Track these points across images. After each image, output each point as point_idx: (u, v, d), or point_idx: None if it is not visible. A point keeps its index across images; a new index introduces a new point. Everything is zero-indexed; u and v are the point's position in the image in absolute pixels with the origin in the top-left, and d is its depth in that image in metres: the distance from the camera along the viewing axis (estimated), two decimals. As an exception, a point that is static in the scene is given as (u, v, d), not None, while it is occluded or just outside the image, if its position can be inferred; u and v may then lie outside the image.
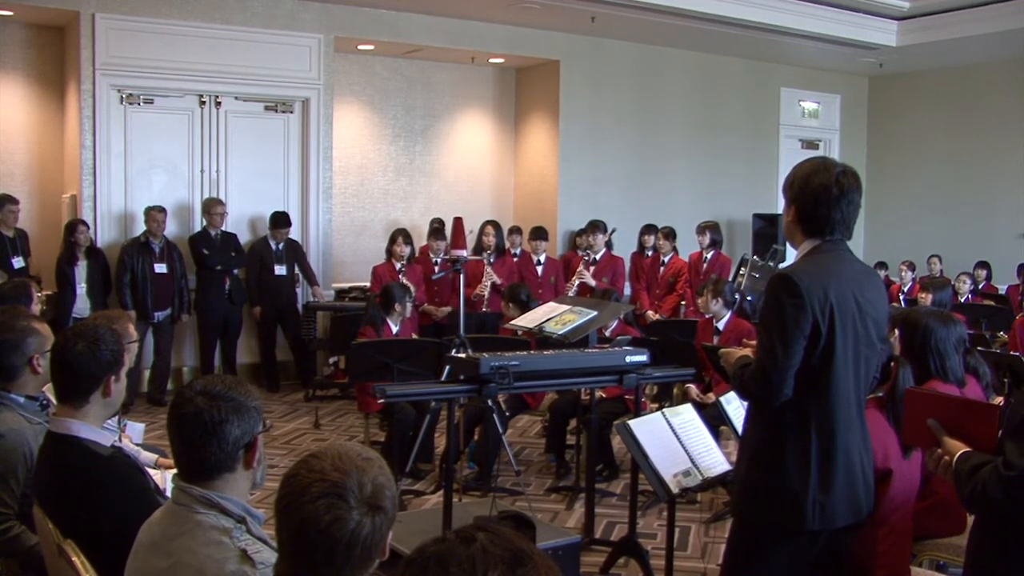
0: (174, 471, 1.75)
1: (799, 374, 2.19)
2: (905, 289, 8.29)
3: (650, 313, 7.35)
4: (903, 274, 8.49)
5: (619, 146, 9.08)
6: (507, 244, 7.44)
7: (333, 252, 8.12)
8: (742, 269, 4.56)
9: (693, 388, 5.16)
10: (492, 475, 4.84)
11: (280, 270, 7.42)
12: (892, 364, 2.67)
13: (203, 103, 7.43)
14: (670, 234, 7.63)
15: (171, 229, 7.19)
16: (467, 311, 5.69)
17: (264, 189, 7.68)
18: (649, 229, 7.98)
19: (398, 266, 6.75)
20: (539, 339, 4.47)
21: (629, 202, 9.03)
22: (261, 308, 7.35)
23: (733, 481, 2.40)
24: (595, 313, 3.98)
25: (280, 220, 7.40)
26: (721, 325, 5.29)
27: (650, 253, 7.89)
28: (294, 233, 7.66)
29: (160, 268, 6.84)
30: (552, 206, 8.79)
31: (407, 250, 6.80)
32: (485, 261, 7.01)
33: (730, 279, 6.52)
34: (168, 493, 1.92)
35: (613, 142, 9.04)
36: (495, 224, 7.26)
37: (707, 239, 7.41)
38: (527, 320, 4.16)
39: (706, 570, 3.80)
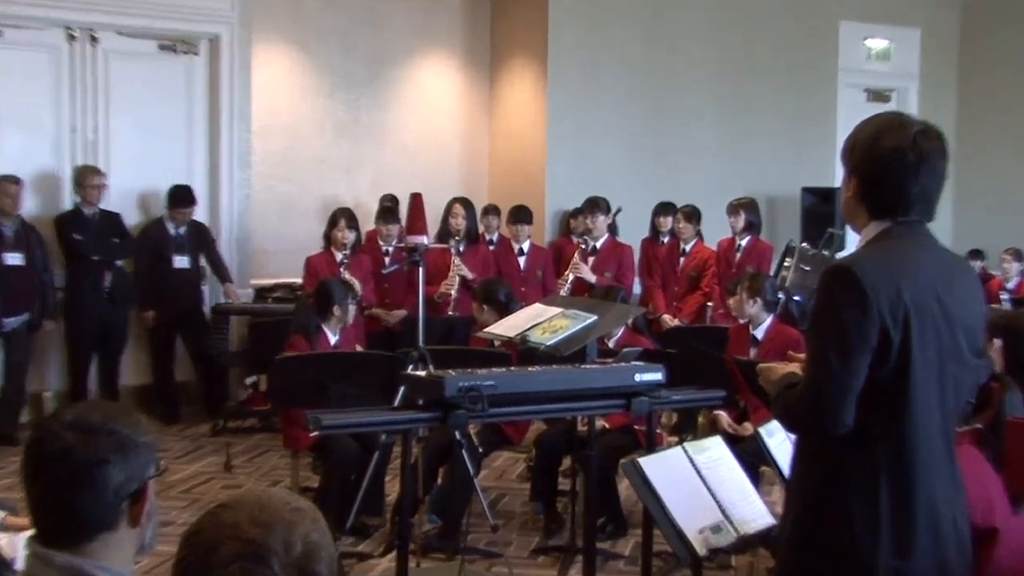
0: (28, 532, 1.73)
1: (863, 398, 2.19)
2: (1009, 286, 8.30)
3: (667, 318, 7.42)
4: (1006, 266, 8.44)
5: (625, 100, 9.08)
6: (480, 228, 7.50)
7: (252, 239, 8.11)
8: (787, 260, 4.57)
9: (724, 416, 5.20)
10: (460, 531, 4.82)
11: (180, 261, 7.41)
12: (992, 385, 2.68)
13: (73, 38, 7.35)
14: (692, 215, 7.67)
15: (29, 207, 7.13)
16: (428, 315, 5.69)
17: (159, 155, 7.63)
18: (665, 208, 8.04)
19: (339, 257, 6.75)
20: (522, 351, 4.43)
21: (638, 173, 9.05)
22: (155, 312, 7.36)
23: (778, 540, 2.40)
24: (594, 318, 3.99)
25: (181, 196, 7.37)
26: (760, 333, 5.35)
27: (666, 239, 7.95)
28: (200, 214, 7.63)
29: (12, 259, 6.77)
30: (538, 178, 8.79)
31: (351, 236, 6.80)
32: (452, 250, 7.02)
33: (771, 273, 6.55)
34: (19, 565, 1.89)
35: (617, 94, 9.04)
36: (465, 202, 7.26)
37: (741, 221, 7.46)
38: (506, 327, 4.18)
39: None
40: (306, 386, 4.70)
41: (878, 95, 10.46)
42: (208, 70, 7.77)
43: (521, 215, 7.59)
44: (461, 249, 7.07)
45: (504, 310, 5.22)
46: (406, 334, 6.53)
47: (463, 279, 6.97)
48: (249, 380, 7.27)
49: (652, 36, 9.16)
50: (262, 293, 7.83)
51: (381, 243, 7.25)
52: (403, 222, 7.09)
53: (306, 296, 6.03)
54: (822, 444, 2.26)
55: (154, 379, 7.50)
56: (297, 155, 8.53)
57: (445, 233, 7.13)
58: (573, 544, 4.80)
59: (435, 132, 9.07)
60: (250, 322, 7.31)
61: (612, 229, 7.62)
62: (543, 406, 3.64)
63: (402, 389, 4.38)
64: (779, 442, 3.43)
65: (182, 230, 7.39)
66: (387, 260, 7.07)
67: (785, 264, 5.15)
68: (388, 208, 7.59)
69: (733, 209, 7.52)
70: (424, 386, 3.35)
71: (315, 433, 3.37)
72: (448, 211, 7.23)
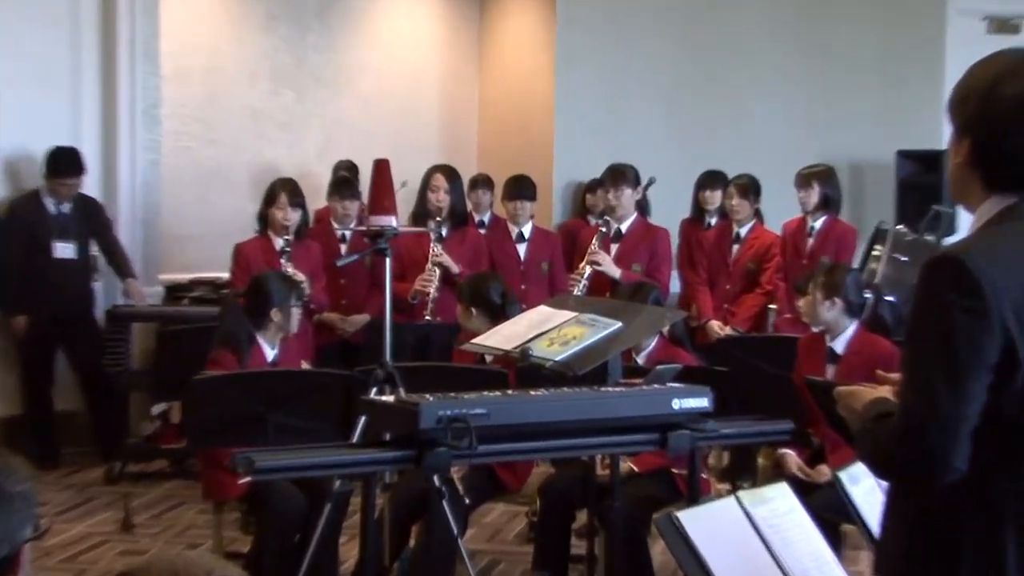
0: None
1: (982, 433, 2.19)
2: None
3: (715, 325, 7.44)
4: None
5: (660, 38, 9.10)
6: (468, 206, 7.51)
7: (161, 219, 8.11)
8: (877, 247, 4.58)
9: (792, 456, 5.21)
10: (441, 610, 4.85)
11: (63, 250, 7.41)
12: None
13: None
14: (748, 188, 7.67)
15: None
16: (399, 321, 5.68)
17: (33, 108, 7.61)
18: (712, 180, 8.06)
19: (279, 244, 6.73)
20: (522, 369, 4.42)
21: (677, 133, 9.06)
22: (28, 317, 7.36)
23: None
24: (618, 325, 4.00)
25: (64, 163, 7.36)
26: (840, 345, 5.34)
27: (714, 221, 7.96)
28: (90, 186, 7.63)
29: None
30: (544, 140, 8.81)
31: (294, 216, 6.80)
32: (431, 235, 7.01)
33: (856, 265, 6.54)
34: None
35: (649, 31, 9.07)
36: (447, 172, 7.23)
37: (814, 196, 7.44)
38: (502, 337, 4.18)
39: None
40: (234, 416, 4.71)
41: (1002, 25, 10.29)
42: (102, -6, 7.85)
43: (521, 189, 7.58)
44: (443, 234, 7.07)
45: (498, 315, 5.23)
46: (369, 346, 6.50)
47: (445, 273, 6.98)
48: (157, 409, 7.27)
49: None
50: (175, 292, 7.84)
51: (336, 226, 7.28)
52: (364, 198, 7.08)
53: (235, 296, 6.00)
54: (925, 496, 2.26)
55: (26, 408, 7.47)
56: (222, 108, 8.54)
57: (421, 213, 7.13)
58: (591, 627, 4.80)
59: (407, 79, 9.09)
60: (159, 331, 7.27)
61: (642, 207, 7.58)
62: (550, 442, 3.63)
63: (362, 420, 4.39)
64: (866, 491, 3.42)
65: (65, 208, 7.39)
66: (343, 248, 7.10)
67: (874, 253, 5.16)
68: (345, 179, 7.57)
69: (804, 180, 7.49)
70: (392, 415, 3.35)
71: (246, 479, 3.35)
72: (426, 184, 7.19)
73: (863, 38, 9.68)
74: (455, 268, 6.96)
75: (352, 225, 7.23)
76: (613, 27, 8.92)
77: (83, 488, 7.02)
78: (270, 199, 6.86)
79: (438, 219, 7.06)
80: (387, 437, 3.45)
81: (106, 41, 7.81)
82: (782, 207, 7.90)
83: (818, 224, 7.46)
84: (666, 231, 7.58)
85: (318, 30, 8.77)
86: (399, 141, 8.44)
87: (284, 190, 6.85)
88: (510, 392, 3.93)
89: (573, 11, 8.76)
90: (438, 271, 6.97)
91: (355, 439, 4.41)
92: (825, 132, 9.50)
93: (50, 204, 7.38)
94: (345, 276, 7.05)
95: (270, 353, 5.33)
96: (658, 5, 9.04)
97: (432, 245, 7.00)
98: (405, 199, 6.83)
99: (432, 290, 6.93)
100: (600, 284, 7.08)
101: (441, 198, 7.10)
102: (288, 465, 3.42)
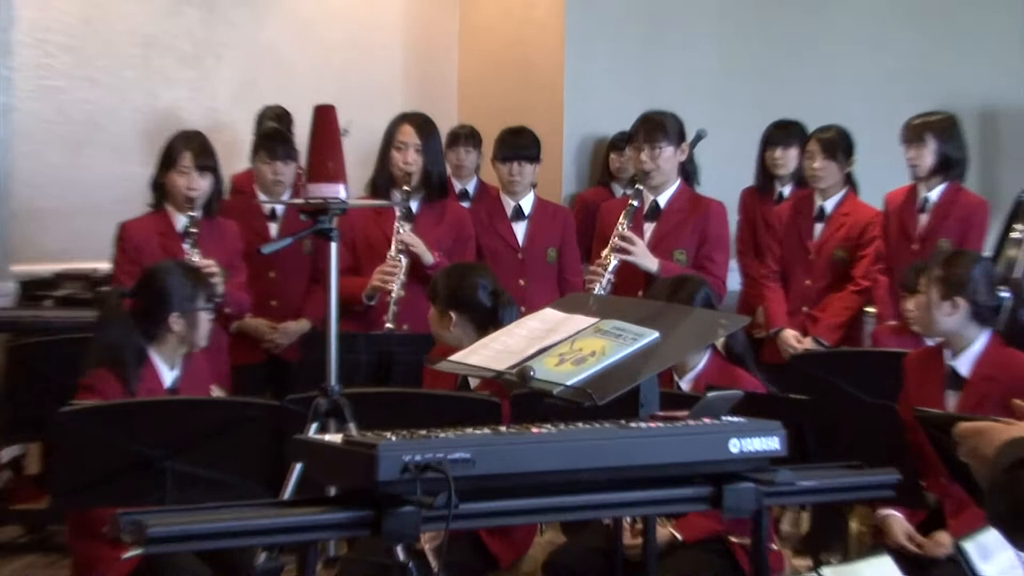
0: None
1: None
2: None
3: (789, 335, 7.54)
4: None
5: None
6: (447, 170, 7.54)
7: (14, 189, 8.16)
8: (1017, 227, 4.58)
9: (898, 520, 5.20)
10: None
11: None
12: None
13: None
14: (835, 145, 7.73)
15: None
16: (349, 330, 5.67)
17: None
18: (784, 135, 8.17)
19: (181, 222, 6.74)
20: (518, 398, 4.42)
21: (732, 72, 9.13)
22: None
23: None
24: (654, 336, 3.96)
25: None
26: (964, 364, 5.37)
27: (787, 190, 8.05)
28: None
29: None
30: (550, 82, 8.87)
31: (202, 184, 6.79)
32: (396, 211, 7.00)
33: (988, 253, 6.54)
34: None
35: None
36: (419, 123, 7.22)
37: (928, 156, 7.43)
38: (492, 353, 4.12)
39: None
40: (117, 464, 4.71)
41: None
42: None
43: (520, 147, 7.63)
44: (412, 209, 7.08)
45: (487, 321, 5.27)
46: (307, 366, 6.53)
47: (414, 264, 6.97)
48: (6, 455, 7.30)
49: None
50: (33, 290, 7.87)
51: (262, 197, 7.35)
52: (302, 160, 7.08)
53: (119, 296, 6.00)
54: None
55: None
56: (100, 34, 8.58)
57: (383, 180, 7.14)
58: None
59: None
60: (9, 344, 7.24)
61: (687, 172, 7.57)
62: (559, 499, 3.59)
63: (297, 468, 4.39)
64: (1002, 570, 3.43)
65: None
66: (273, 229, 7.14)
67: (1013, 235, 5.16)
68: (276, 132, 7.61)
69: (915, 134, 7.47)
70: (339, 462, 3.31)
71: (134, 553, 3.24)
72: (389, 140, 7.19)
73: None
74: (428, 257, 6.97)
75: (286, 196, 7.24)
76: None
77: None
78: (168, 161, 6.84)
79: (406, 188, 7.03)
80: (332, 492, 3.44)
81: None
82: (883, 172, 7.92)
83: (934, 195, 7.45)
84: (721, 205, 7.51)
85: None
86: (349, 81, 8.45)
87: (188, 148, 6.83)
88: (503, 429, 3.88)
89: None
90: (404, 261, 6.96)
91: (287, 495, 4.42)
92: (944, 68, 9.54)
93: None
94: (276, 268, 7.07)
95: (168, 376, 5.34)
96: None
97: (397, 225, 7.00)
98: (360, 160, 6.84)
99: (396, 287, 6.92)
100: (630, 279, 7.07)
101: (410, 159, 7.05)
102: (193, 532, 3.32)
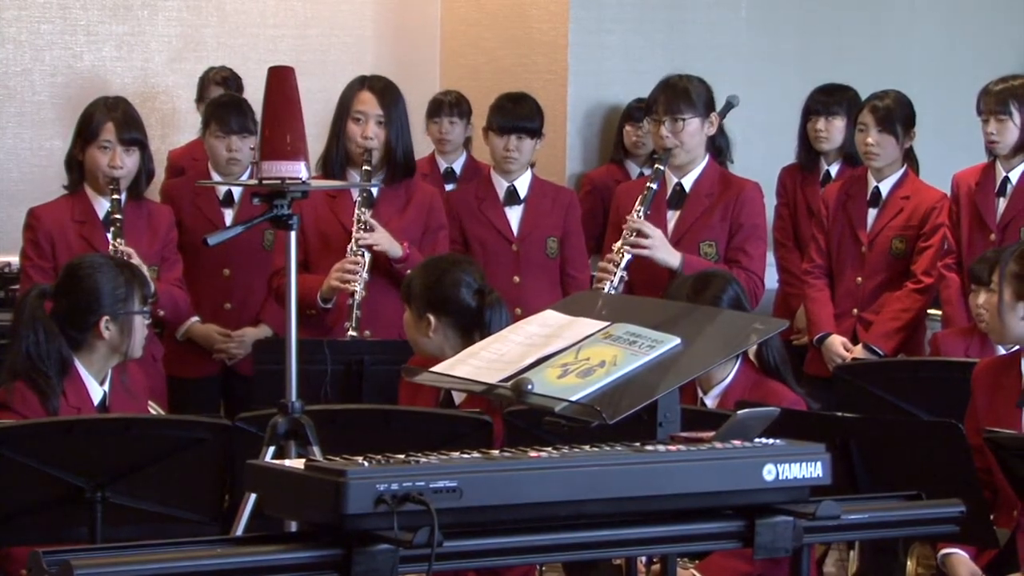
0: None
1: None
2: None
3: (837, 342, 7.65)
4: None
5: None
6: (430, 142, 7.59)
7: None
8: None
9: (964, 560, 5.26)
10: None
11: None
12: None
13: None
14: (892, 115, 7.85)
15: None
16: (309, 336, 5.73)
17: None
18: (830, 102, 8.36)
19: (103, 207, 6.79)
20: (511, 416, 4.49)
21: (770, 32, 9.30)
22: None
23: None
24: (676, 343, 4.03)
25: None
26: (1046, 377, 5.38)
27: (834, 169, 8.13)
28: None
29: None
30: (550, 41, 8.95)
31: (129, 161, 6.88)
32: (354, 195, 7.05)
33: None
34: None
35: None
36: (381, 88, 7.36)
37: (1012, 130, 7.49)
38: (480, 363, 4.18)
39: None
40: (37, 495, 4.82)
41: None
42: None
43: (518, 116, 7.77)
44: (373, 193, 7.11)
45: (474, 325, 5.34)
46: (262, 379, 6.60)
47: (379, 258, 7.02)
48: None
49: None
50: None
51: (216, 176, 7.65)
52: (256, 130, 7.13)
53: (37, 297, 6.06)
54: None
55: None
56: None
57: (338, 157, 7.20)
58: None
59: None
60: None
61: (717, 148, 7.65)
62: (561, 536, 3.66)
63: (251, 499, 4.46)
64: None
65: None
66: (228, 216, 7.16)
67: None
68: (230, 100, 7.66)
69: (995, 101, 7.55)
70: (301, 492, 3.41)
71: None
72: (345, 108, 7.28)
73: None
74: (396, 249, 7.01)
75: (244, 175, 7.29)
76: None
77: None
78: (87, 134, 6.93)
79: (366, 168, 7.11)
80: (292, 527, 3.49)
81: None
82: (950, 149, 7.99)
83: (1015, 176, 7.53)
84: (756, 187, 7.63)
85: None
86: (309, 37, 8.53)
87: (110, 119, 6.92)
88: (495, 453, 3.90)
89: None
90: (367, 255, 7.01)
91: (238, 531, 4.48)
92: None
93: None
94: (231, 265, 7.14)
95: (97, 391, 5.39)
96: None
97: (358, 212, 7.05)
98: (318, 135, 6.88)
99: (358, 287, 6.98)
100: (649, 275, 7.15)
101: (369, 132, 7.15)
102: (127, 573, 3.48)
